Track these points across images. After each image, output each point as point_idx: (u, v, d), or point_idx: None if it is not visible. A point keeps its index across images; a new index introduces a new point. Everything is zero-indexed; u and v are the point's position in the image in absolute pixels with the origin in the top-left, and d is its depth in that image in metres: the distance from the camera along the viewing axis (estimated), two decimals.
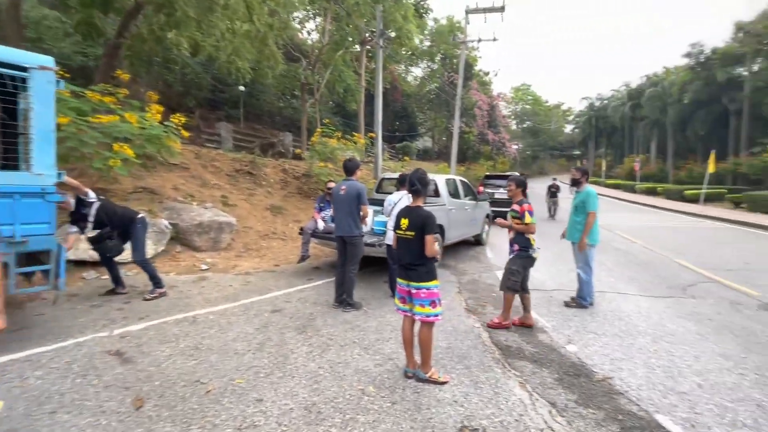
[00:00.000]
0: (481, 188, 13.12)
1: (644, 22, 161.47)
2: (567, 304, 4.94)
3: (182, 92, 15.99)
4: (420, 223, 2.92)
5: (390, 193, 5.46)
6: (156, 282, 4.78)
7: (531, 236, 4.14)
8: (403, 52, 23.16)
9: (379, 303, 4.91)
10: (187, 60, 14.08)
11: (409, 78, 35.19)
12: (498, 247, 8.89)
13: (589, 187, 4.95)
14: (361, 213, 4.58)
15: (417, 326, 3.04)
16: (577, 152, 68.82)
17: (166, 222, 6.59)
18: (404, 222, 3.00)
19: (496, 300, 5.14)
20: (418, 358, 3.07)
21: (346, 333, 3.92)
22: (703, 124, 27.90)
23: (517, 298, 4.24)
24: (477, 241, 9.22)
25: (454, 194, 7.74)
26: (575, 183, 5.12)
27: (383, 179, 7.77)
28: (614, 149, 51.85)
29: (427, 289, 2.93)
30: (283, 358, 3.33)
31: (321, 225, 6.24)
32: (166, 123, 6.74)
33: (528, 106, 70.50)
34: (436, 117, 37.02)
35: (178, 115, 7.27)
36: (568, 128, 73.82)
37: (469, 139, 32.78)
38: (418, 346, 3.01)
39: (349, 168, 4.72)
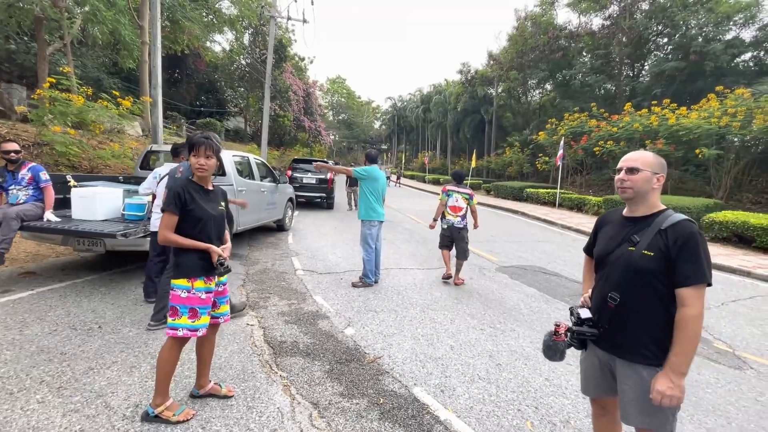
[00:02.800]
0: (289, 172, 12.57)
1: (445, 33, 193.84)
2: (354, 285, 4.91)
3: None
4: None
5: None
6: None
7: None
8: (202, 15, 19.94)
9: (119, 313, 3.65)
10: None
11: (217, 48, 31.11)
12: (301, 232, 8.54)
13: (370, 167, 5.03)
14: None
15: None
16: (384, 146, 77.31)
17: None
18: None
19: (282, 290, 4.66)
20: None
21: (32, 370, 2.63)
22: (469, 129, 35.43)
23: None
24: (279, 227, 8.61)
25: (246, 174, 6.86)
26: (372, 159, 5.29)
27: (149, 152, 6.10)
28: (411, 145, 60.49)
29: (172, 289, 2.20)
30: None
31: (52, 217, 4.26)
32: None
33: (343, 99, 74.39)
34: (249, 96, 34.19)
35: None
36: (377, 124, 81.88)
37: (284, 123, 31.68)
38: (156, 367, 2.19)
39: (178, 150, 3.91)
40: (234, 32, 25.50)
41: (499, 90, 30.52)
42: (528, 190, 17.37)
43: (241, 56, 31.19)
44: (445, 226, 5.47)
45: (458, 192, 5.44)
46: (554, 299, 4.89)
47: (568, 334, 1.74)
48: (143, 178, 4.33)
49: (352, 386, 2.68)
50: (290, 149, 35.63)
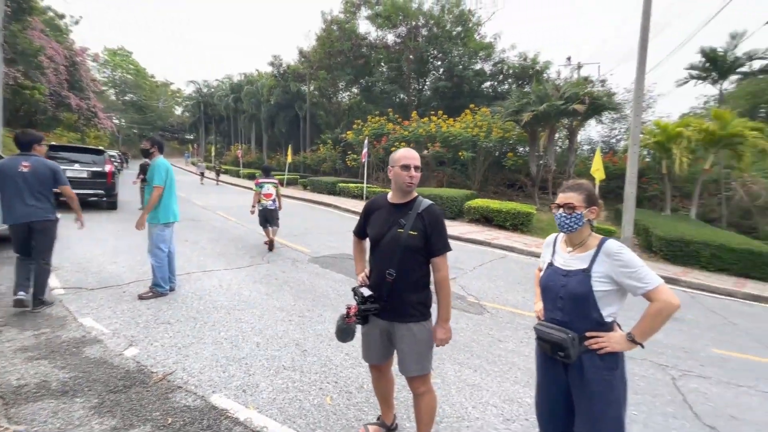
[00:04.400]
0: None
1: (254, 22, 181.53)
2: (141, 297, 4.15)
3: None
4: None
5: None
6: None
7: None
8: None
9: None
10: None
11: None
12: (64, 240, 6.55)
13: (161, 159, 4.35)
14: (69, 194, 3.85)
15: None
16: (190, 136, 67.86)
17: None
18: None
19: (26, 318, 3.51)
20: None
21: None
22: (284, 124, 35.03)
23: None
24: None
25: None
26: (146, 154, 4.43)
27: None
28: (223, 136, 55.28)
29: None
30: None
31: None
32: None
33: (129, 76, 60.91)
34: None
35: None
36: (178, 110, 70.93)
37: (33, 97, 23.52)
38: None
39: (26, 141, 3.76)
40: None
41: (312, 88, 31.30)
42: (340, 184, 18.60)
43: None
44: (261, 209, 6.91)
45: (268, 182, 6.96)
46: None
47: (356, 315, 1.96)
48: None
49: (130, 415, 2.27)
50: (48, 133, 26.79)
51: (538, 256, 8.04)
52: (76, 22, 31.87)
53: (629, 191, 8.77)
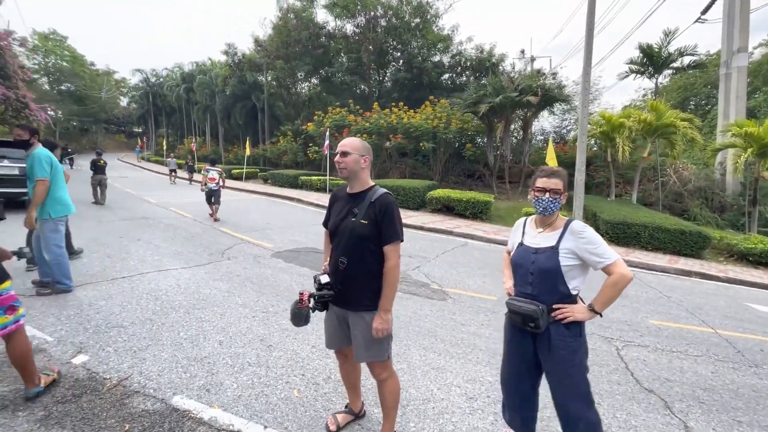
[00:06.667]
0: None
1: (204, 7, 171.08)
2: (40, 293, 3.99)
3: None
4: None
5: None
6: None
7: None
8: None
9: None
10: None
11: None
12: None
13: (40, 149, 4.06)
14: None
15: None
16: (138, 129, 63.43)
17: None
18: None
19: None
20: None
21: None
22: (241, 115, 33.63)
23: None
24: None
25: None
26: (25, 145, 4.09)
27: None
28: (175, 129, 52.25)
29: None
30: None
31: None
32: None
33: (65, 64, 55.57)
34: None
35: None
36: (123, 101, 65.96)
37: None
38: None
39: None
40: None
41: (269, 78, 30.27)
42: (302, 178, 18.25)
43: None
44: (207, 190, 9.21)
45: (213, 169, 9.42)
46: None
47: (312, 299, 1.98)
48: None
49: (82, 425, 2.15)
50: (17, 127, 23.94)
51: (496, 242, 8.40)
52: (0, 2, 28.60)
53: (579, 178, 9.33)
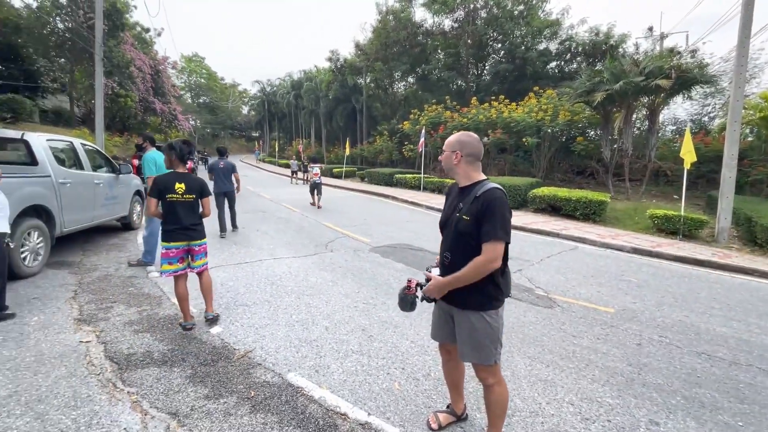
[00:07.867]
0: (135, 161, 10.68)
1: (311, 17, 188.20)
2: (131, 264, 5.00)
3: None
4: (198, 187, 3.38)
5: None
6: None
7: None
8: None
9: None
10: None
11: (17, 4, 23.91)
12: None
13: (150, 152, 4.92)
14: None
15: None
16: (256, 134, 72.31)
17: None
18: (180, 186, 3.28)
19: (130, 296, 4.01)
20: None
21: None
22: (342, 117, 35.84)
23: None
24: (125, 225, 7.32)
25: (72, 164, 5.62)
26: (140, 149, 5.04)
27: None
28: (285, 132, 58.15)
29: (205, 244, 3.48)
30: None
31: None
32: None
33: (203, 80, 66.39)
34: (74, 69, 27.46)
35: None
36: (245, 109, 75.86)
37: (127, 104, 26.64)
38: (203, 294, 3.51)
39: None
40: None
41: (368, 80, 31.60)
42: (397, 176, 18.64)
43: (57, 16, 24.75)
44: (311, 183, 11.31)
45: (315, 165, 11.82)
46: (419, 271, 5.40)
47: (418, 288, 1.99)
48: None
49: (219, 386, 2.50)
50: (138, 135, 30.27)
51: (613, 248, 7.41)
52: (159, 34, 35.29)
53: (728, 175, 7.69)
